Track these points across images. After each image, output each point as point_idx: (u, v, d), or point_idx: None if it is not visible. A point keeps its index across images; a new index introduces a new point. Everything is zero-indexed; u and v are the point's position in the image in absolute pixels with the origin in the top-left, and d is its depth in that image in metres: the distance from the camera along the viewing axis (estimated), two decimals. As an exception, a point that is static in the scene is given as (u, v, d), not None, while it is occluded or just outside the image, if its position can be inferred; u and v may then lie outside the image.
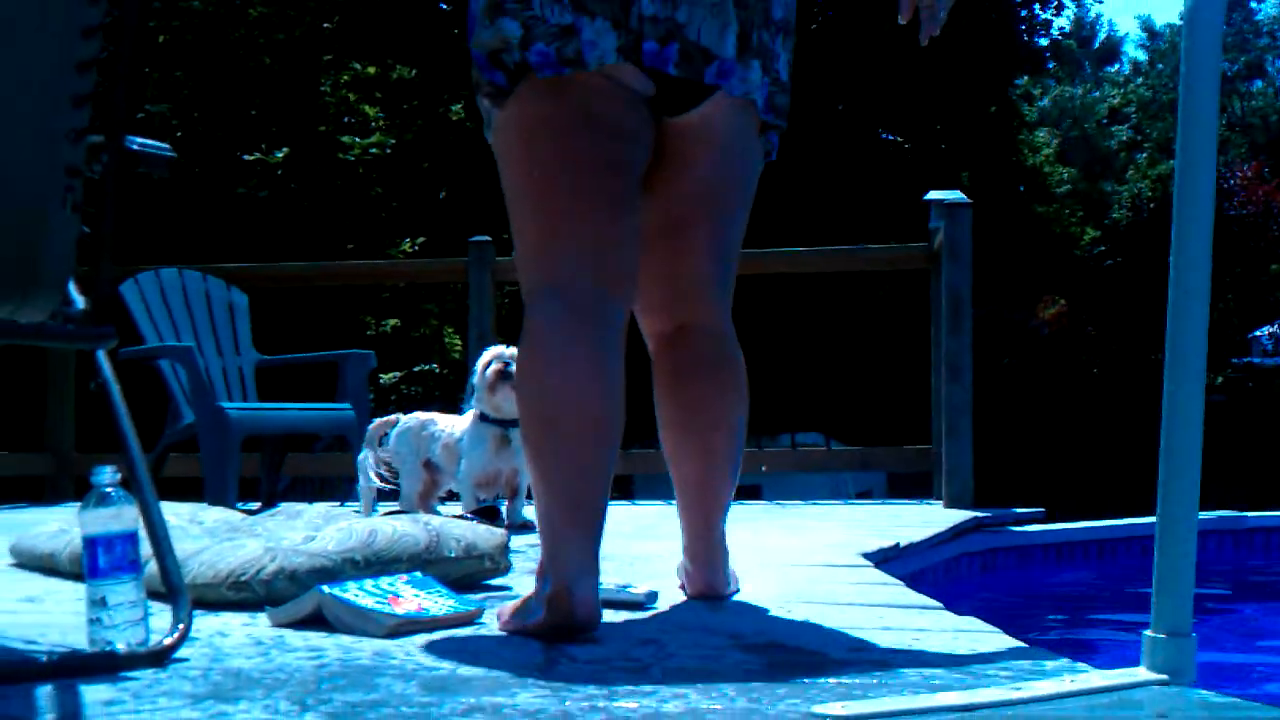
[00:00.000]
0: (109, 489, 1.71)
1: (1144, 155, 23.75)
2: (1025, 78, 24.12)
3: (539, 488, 1.94)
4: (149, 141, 3.92)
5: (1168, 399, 1.66)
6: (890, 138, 21.12)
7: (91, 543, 1.68)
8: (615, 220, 2.00)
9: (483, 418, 3.77)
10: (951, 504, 5.08)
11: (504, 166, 2.06)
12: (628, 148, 2.02)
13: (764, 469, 5.96)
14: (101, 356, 2.08)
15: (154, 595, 1.78)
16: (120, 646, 1.64)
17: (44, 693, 1.49)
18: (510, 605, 2.01)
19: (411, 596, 2.01)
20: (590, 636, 1.86)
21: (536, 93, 1.97)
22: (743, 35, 2.03)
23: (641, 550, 3.22)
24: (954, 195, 5.40)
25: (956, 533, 4.34)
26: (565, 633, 1.85)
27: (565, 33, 1.91)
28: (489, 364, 3.75)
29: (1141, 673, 1.65)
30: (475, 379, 3.81)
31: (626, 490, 8.21)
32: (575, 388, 1.91)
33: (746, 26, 2.04)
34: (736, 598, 2.33)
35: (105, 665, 1.60)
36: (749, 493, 7.12)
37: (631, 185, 2.03)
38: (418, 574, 2.15)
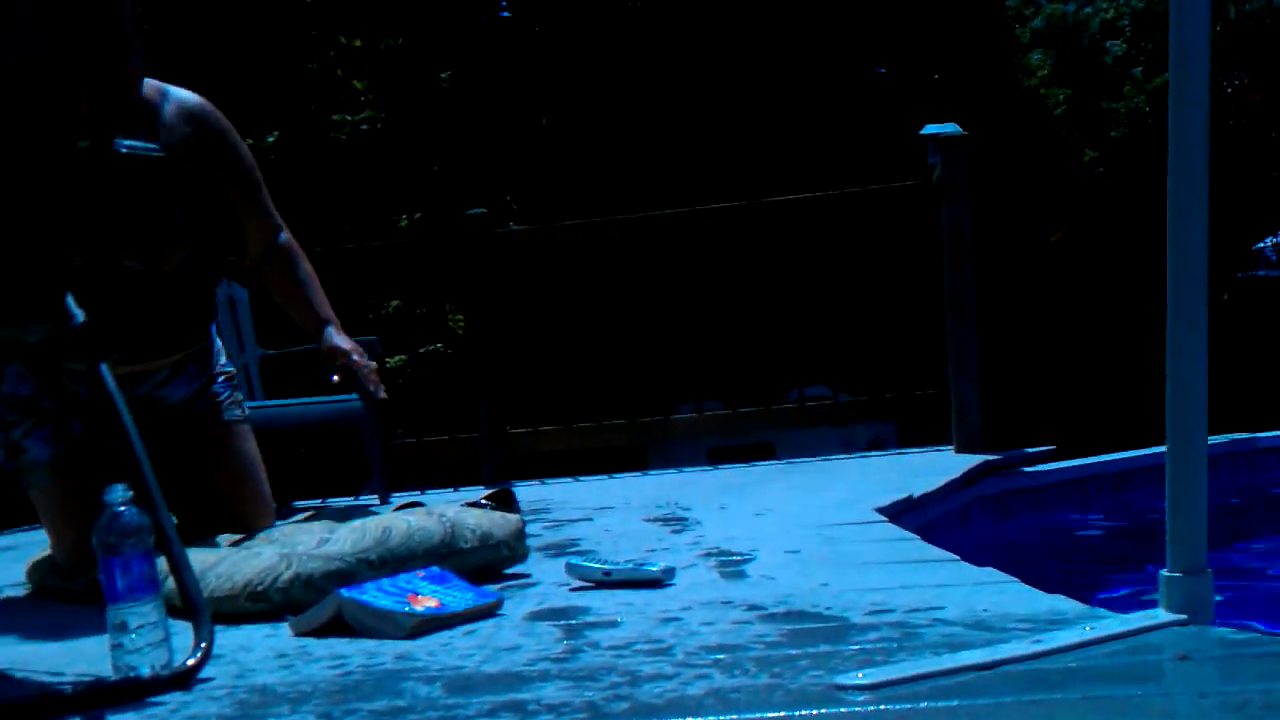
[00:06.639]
0: (122, 507, 1.69)
1: (1140, 70, 23.49)
2: (1016, -2, 23.87)
3: None
4: (137, 143, 3.90)
5: (1171, 334, 1.65)
6: (884, 71, 20.89)
7: (109, 565, 1.67)
8: None
9: None
10: (963, 448, 5.03)
11: None
12: None
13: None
14: (104, 369, 2.07)
15: (174, 610, 1.78)
16: (145, 670, 1.64)
17: (72, 725, 1.50)
18: None
19: (430, 593, 2.01)
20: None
21: None
22: None
23: (653, 528, 3.22)
24: (950, 128, 5.30)
25: (968, 479, 4.28)
26: None
27: None
28: None
29: (1160, 614, 1.65)
30: None
31: (642, 461, 8.19)
32: None
33: None
34: (753, 565, 2.34)
35: (130, 692, 1.60)
36: (761, 452, 7.11)
37: None
38: (435, 569, 2.15)
